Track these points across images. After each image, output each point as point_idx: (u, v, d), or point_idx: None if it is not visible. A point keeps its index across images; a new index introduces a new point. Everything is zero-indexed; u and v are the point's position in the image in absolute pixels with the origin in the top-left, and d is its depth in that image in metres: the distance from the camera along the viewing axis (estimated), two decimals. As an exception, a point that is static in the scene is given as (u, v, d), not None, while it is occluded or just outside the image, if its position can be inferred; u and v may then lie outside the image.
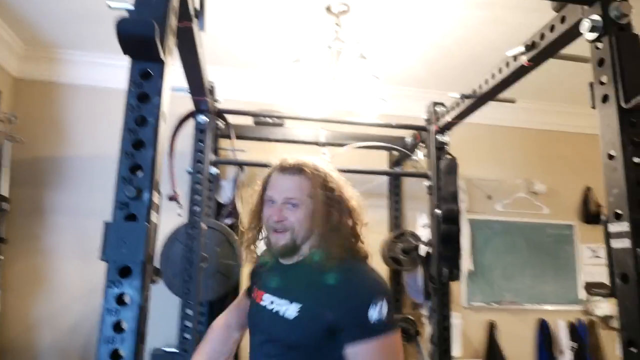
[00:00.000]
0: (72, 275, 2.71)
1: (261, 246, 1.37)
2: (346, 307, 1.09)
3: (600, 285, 1.29)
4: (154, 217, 0.93)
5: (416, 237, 2.87)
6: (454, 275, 2.20)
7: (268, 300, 1.23)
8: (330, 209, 1.22)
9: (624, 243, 1.18)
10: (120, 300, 0.86)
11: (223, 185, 2.95)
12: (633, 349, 1.12)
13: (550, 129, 3.52)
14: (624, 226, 1.18)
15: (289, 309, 1.15)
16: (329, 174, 1.26)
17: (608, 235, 1.23)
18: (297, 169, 1.24)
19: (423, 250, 2.44)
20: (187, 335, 1.97)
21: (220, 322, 1.46)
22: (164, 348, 2.38)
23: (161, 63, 0.98)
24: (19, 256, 2.71)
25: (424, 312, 2.71)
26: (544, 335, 3.18)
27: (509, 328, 3.19)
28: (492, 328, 3.14)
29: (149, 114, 0.95)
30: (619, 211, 1.20)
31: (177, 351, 1.97)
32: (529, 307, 3.26)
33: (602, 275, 1.20)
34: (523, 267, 3.31)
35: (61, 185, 2.84)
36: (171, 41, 1.04)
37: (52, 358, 2.64)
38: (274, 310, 1.18)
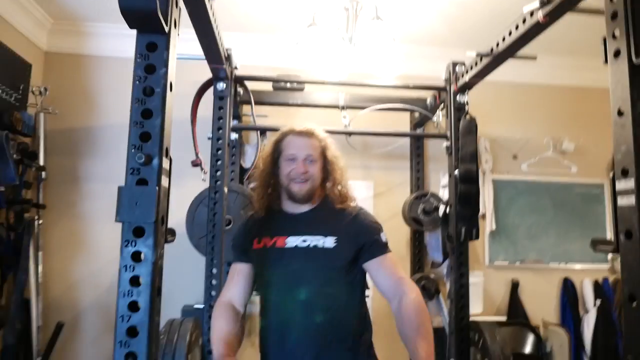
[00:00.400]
0: (108, 238, 2.87)
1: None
2: (368, 234, 1.49)
3: (606, 241, 1.30)
4: (164, 181, 1.00)
5: (437, 198, 2.90)
6: (472, 234, 2.23)
7: (298, 240, 1.47)
8: (332, 165, 1.54)
9: (630, 200, 1.18)
10: (136, 257, 0.94)
11: (247, 150, 3.03)
12: (634, 303, 1.14)
13: (579, 85, 3.40)
14: (630, 183, 1.18)
15: (327, 241, 1.45)
16: (328, 138, 1.58)
17: (615, 192, 1.23)
18: (309, 133, 1.54)
19: (442, 210, 2.47)
20: (213, 292, 2.09)
21: (225, 304, 1.50)
22: (195, 305, 2.53)
23: (166, 35, 1.03)
24: (58, 221, 2.89)
25: (444, 270, 2.76)
26: (569, 294, 3.18)
27: (533, 287, 3.21)
28: (514, 286, 3.16)
29: (156, 85, 1.01)
30: (626, 168, 1.20)
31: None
32: (554, 265, 3.25)
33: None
34: (548, 227, 3.29)
35: (94, 154, 2.99)
36: (176, 13, 1.08)
37: (94, 314, 2.85)
38: (310, 246, 1.45)
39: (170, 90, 1.04)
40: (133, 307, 0.93)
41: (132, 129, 0.99)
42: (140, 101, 1.00)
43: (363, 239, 1.48)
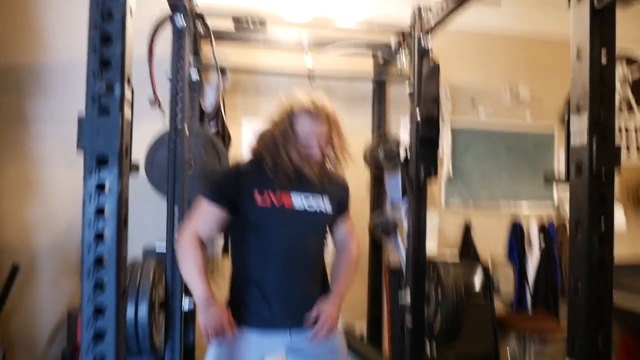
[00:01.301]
0: (62, 181, 2.77)
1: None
2: (345, 194, 1.79)
3: (557, 176, 1.38)
4: (127, 110, 0.97)
5: (397, 140, 2.94)
6: (430, 171, 2.30)
7: (302, 199, 1.63)
8: (335, 136, 1.65)
9: (582, 137, 1.24)
10: (100, 187, 0.92)
11: (207, 91, 2.94)
12: (578, 227, 1.23)
13: (538, 36, 3.46)
14: (583, 122, 1.24)
15: (326, 204, 1.67)
16: (333, 109, 1.65)
17: (569, 131, 1.30)
18: (324, 118, 1.61)
19: (403, 152, 2.52)
20: (174, 232, 2.09)
21: (195, 236, 1.60)
22: (155, 242, 2.50)
23: (123, -45, 0.96)
24: (7, 162, 2.76)
25: (402, 210, 2.85)
26: (516, 233, 3.38)
27: (484, 228, 3.37)
28: (467, 227, 3.32)
29: (115, 9, 0.95)
30: (580, 107, 1.25)
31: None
32: (504, 205, 3.42)
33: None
34: (501, 171, 3.43)
35: (42, 93, 2.81)
36: None
37: (51, 257, 2.79)
38: (317, 211, 1.64)
39: (130, 15, 0.98)
40: (99, 237, 0.92)
41: (89, 55, 0.94)
42: (98, 27, 0.94)
43: (342, 198, 1.76)
